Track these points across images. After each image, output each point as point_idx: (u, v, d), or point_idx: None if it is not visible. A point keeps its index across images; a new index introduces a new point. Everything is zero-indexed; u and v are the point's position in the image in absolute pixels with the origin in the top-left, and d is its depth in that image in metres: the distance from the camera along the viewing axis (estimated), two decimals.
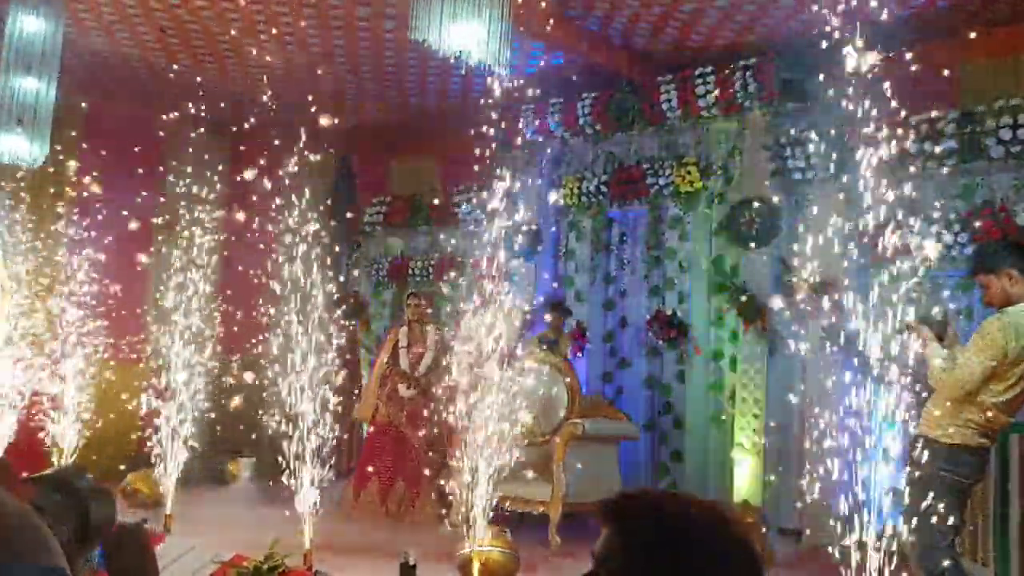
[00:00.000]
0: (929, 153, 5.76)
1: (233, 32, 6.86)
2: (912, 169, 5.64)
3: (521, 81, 6.29)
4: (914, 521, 3.38)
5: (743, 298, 6.64)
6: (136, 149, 7.00)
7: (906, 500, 3.38)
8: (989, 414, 3.56)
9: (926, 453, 3.52)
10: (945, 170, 5.87)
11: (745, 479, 6.53)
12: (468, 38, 3.78)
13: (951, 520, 3.53)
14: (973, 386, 3.57)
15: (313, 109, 5.50)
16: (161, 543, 5.14)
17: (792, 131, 6.63)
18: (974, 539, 4.47)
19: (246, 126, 6.47)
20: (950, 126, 5.84)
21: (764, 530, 5.58)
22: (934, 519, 3.45)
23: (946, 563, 3.51)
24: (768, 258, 6.67)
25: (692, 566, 1.25)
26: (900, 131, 3.62)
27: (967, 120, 5.84)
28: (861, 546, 3.34)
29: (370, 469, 6.71)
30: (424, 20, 3.76)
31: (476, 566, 4.28)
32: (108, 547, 1.50)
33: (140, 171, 6.70)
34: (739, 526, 1.32)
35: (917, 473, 3.44)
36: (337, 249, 8.90)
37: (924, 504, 3.39)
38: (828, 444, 3.50)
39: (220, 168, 8.38)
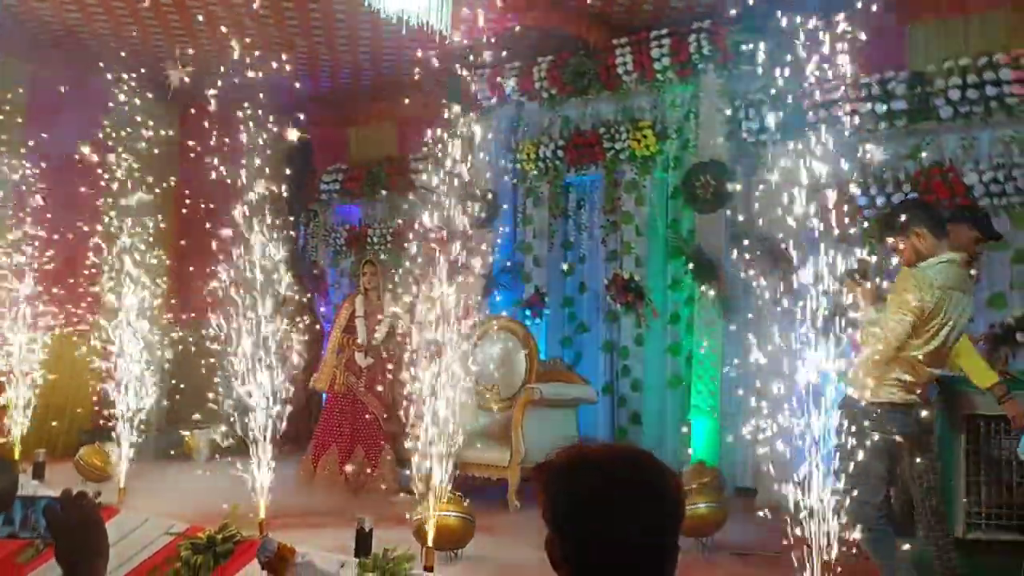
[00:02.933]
0: (879, 114, 5.79)
1: None
2: (862, 129, 5.69)
3: (480, 43, 6.23)
4: (847, 479, 3.43)
5: (699, 261, 6.67)
6: (81, 115, 6.79)
7: (837, 459, 3.43)
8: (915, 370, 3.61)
9: (855, 412, 3.57)
10: (894, 131, 5.92)
11: (702, 440, 6.60)
12: None
13: (882, 476, 3.61)
14: (896, 344, 3.63)
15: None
16: (115, 516, 5.08)
17: (748, 93, 6.64)
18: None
19: (199, 99, 6.29)
20: (900, 87, 5.88)
21: (721, 490, 5.65)
22: (866, 477, 3.51)
23: (878, 517, 3.59)
24: (723, 220, 6.69)
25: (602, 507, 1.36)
26: (850, 92, 3.62)
27: (916, 81, 5.88)
28: (809, 504, 3.39)
29: (328, 438, 6.69)
30: None
31: (431, 531, 4.29)
32: (50, 518, 1.46)
33: (84, 139, 6.49)
34: (653, 466, 1.40)
35: (849, 432, 3.48)
36: (294, 218, 8.83)
37: (856, 462, 3.45)
38: (780, 404, 3.54)
39: (171, 136, 8.21)
